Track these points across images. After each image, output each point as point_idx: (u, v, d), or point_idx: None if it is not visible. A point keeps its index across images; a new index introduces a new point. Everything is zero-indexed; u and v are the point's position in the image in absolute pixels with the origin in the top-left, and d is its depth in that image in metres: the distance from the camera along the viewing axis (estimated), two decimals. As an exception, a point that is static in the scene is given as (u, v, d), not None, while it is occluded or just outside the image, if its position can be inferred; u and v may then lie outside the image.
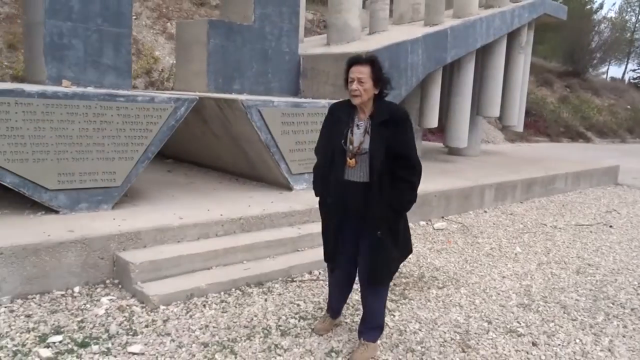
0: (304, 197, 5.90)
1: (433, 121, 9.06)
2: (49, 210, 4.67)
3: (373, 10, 8.83)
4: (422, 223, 6.72)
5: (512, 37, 10.41)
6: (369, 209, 3.13)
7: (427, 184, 7.22)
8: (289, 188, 6.23)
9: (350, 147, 3.14)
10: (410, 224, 6.57)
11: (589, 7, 32.25)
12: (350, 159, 3.13)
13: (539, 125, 21.07)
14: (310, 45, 8.97)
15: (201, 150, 7.35)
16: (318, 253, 5.11)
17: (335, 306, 3.66)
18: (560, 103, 23.91)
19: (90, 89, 5.14)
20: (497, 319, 4.07)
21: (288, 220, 5.39)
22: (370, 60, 3.10)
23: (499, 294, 4.60)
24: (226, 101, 5.87)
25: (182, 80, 7.47)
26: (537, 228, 6.97)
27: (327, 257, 3.44)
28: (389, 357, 3.39)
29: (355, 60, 3.13)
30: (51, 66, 5.76)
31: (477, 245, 6.00)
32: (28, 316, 3.58)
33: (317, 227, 5.44)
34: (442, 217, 7.08)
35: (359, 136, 3.15)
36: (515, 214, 7.69)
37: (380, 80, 3.10)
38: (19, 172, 4.41)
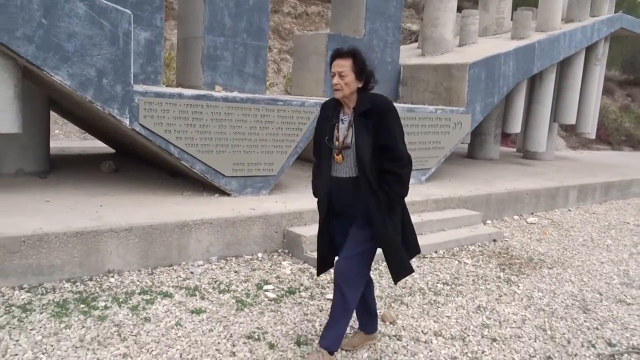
0: (421, 191, 6.80)
1: (516, 127, 9.83)
2: (222, 193, 5.72)
3: (464, 24, 9.66)
4: (515, 217, 7.53)
5: (590, 49, 11.05)
6: (359, 204, 3.03)
7: (519, 183, 8.03)
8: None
9: (336, 142, 3.06)
10: (505, 217, 7.50)
11: (650, 14, 31.98)
12: (337, 154, 3.05)
13: (600, 133, 21.28)
14: (405, 55, 9.86)
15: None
16: (440, 236, 6.03)
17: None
18: (622, 112, 24.04)
19: (253, 95, 6.19)
20: (606, 292, 4.88)
21: (410, 209, 6.29)
22: (352, 52, 2.96)
23: (601, 275, 5.39)
24: (353, 106, 6.82)
25: (299, 86, 8.49)
26: (621, 225, 7.67)
27: (318, 258, 3.34)
28: (526, 314, 4.25)
29: (336, 53, 2.99)
30: (207, 74, 6.84)
31: (571, 237, 6.77)
32: (236, 272, 4.61)
33: (433, 215, 6.37)
34: (532, 213, 7.85)
35: (343, 130, 3.05)
36: (597, 213, 8.38)
37: (363, 72, 2.97)
38: (205, 161, 5.48)
